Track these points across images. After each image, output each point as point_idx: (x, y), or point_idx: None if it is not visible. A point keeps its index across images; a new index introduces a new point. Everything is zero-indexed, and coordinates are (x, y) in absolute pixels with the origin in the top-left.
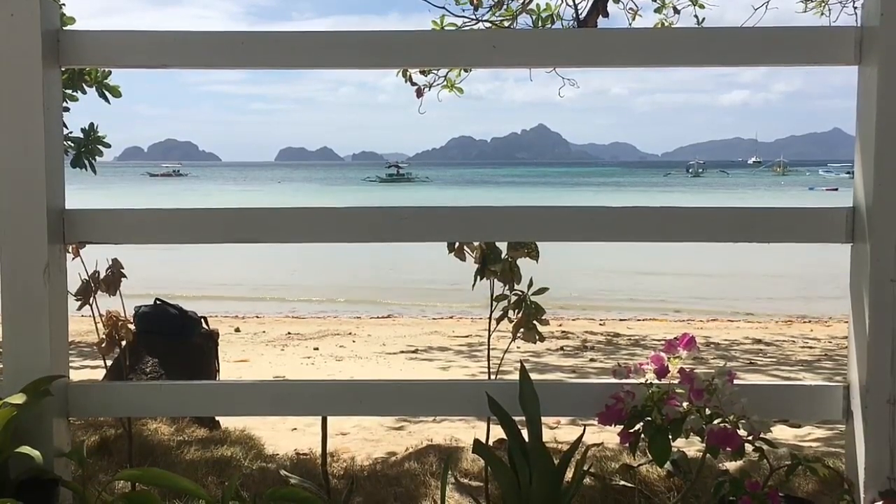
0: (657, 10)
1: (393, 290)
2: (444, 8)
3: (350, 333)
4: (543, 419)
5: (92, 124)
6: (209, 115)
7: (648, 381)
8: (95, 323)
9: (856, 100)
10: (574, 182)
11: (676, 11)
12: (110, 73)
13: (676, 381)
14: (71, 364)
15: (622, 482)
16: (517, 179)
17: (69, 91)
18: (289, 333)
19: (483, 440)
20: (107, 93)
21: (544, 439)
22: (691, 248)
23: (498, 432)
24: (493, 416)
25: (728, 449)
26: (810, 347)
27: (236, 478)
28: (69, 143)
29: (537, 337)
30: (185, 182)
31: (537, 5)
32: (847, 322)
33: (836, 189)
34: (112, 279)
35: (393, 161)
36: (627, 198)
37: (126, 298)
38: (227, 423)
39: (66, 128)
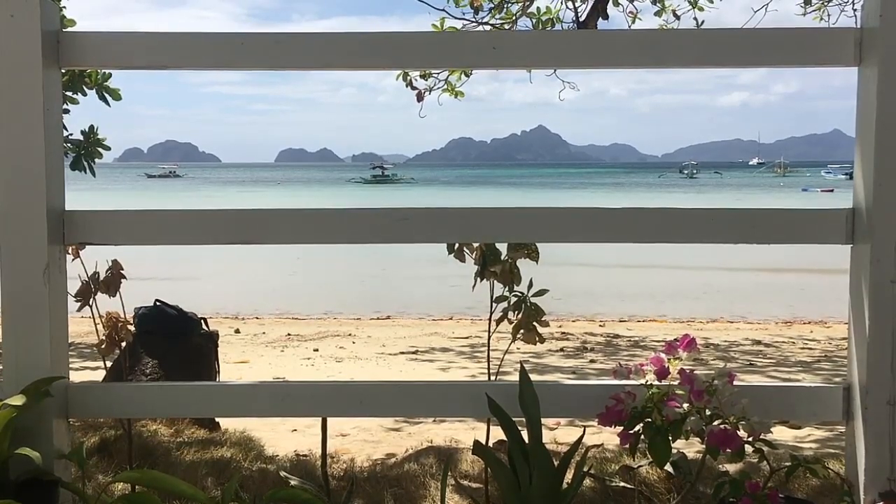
0: (657, 14)
1: (393, 291)
2: (444, 10)
3: (350, 334)
4: (543, 420)
5: (92, 126)
6: (209, 116)
7: (649, 382)
8: (95, 324)
9: (856, 101)
10: (573, 183)
11: (676, 17)
12: (110, 75)
13: (676, 383)
14: (71, 365)
15: (622, 483)
16: (517, 180)
17: (69, 93)
18: (288, 334)
19: (483, 441)
20: (107, 95)
21: (544, 440)
22: (691, 249)
23: (498, 433)
24: (492, 418)
25: (728, 450)
26: (810, 349)
27: (236, 479)
28: (68, 145)
29: (537, 338)
30: (181, 183)
31: (537, 8)
32: (847, 323)
33: (832, 190)
34: (112, 280)
35: (378, 163)
36: (628, 198)
37: (125, 298)
38: (227, 424)
39: (66, 130)
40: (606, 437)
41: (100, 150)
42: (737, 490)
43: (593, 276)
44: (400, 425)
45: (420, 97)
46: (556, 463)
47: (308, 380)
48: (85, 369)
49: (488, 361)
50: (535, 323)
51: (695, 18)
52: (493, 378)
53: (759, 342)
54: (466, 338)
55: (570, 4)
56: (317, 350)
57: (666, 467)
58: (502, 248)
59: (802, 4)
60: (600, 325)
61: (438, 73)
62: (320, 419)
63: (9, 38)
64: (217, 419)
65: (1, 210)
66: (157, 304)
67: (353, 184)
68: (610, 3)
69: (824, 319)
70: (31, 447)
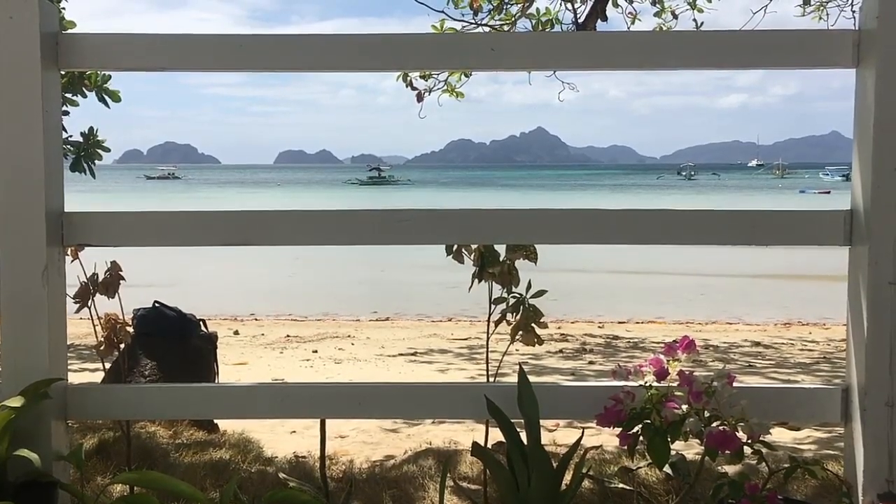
0: (656, 15)
1: (392, 293)
2: (443, 12)
3: (349, 336)
4: (542, 421)
5: (91, 128)
6: (209, 118)
7: (648, 384)
8: (94, 325)
9: (854, 102)
10: (572, 185)
11: (675, 16)
12: (110, 77)
13: (675, 384)
14: (70, 366)
15: (621, 485)
16: (516, 182)
17: (69, 95)
18: (287, 336)
19: (481, 443)
20: (106, 97)
21: (543, 442)
22: (690, 251)
23: (496, 435)
24: (491, 419)
25: (727, 451)
26: (809, 350)
27: (234, 480)
28: (68, 147)
29: (536, 340)
30: (180, 185)
31: (536, 9)
32: (845, 325)
33: (829, 192)
34: (110, 281)
35: (376, 164)
36: (627, 200)
37: (124, 299)
38: (226, 425)
39: (66, 131)
40: (605, 438)
41: (99, 151)
42: (736, 492)
43: (592, 279)
44: (399, 427)
45: (420, 98)
46: (554, 464)
47: (307, 381)
48: (84, 371)
49: (487, 363)
50: (533, 324)
51: (694, 20)
52: (491, 379)
53: (758, 344)
54: (465, 339)
55: (569, 6)
56: (316, 351)
57: (665, 469)
58: (500, 249)
59: (801, 6)
60: (599, 327)
61: (438, 74)
62: (319, 421)
63: (7, 40)
64: (216, 421)
65: (0, 211)
66: (156, 305)
67: (348, 185)
68: (609, 5)
69: (823, 321)
70: (29, 449)
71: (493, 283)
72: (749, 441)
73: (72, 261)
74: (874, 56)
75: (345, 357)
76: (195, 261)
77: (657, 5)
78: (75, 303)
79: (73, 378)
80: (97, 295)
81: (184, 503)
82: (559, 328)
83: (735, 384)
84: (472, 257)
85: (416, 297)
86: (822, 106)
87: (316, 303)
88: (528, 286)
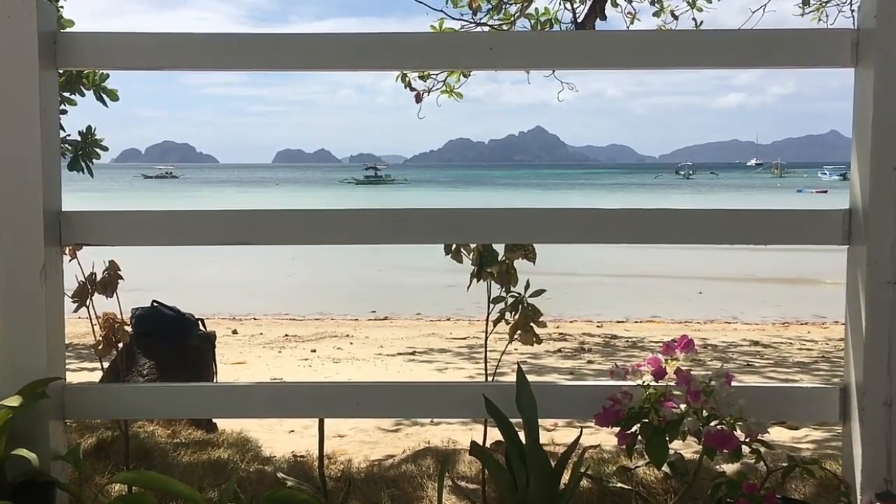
0: (655, 15)
1: (390, 292)
2: (441, 11)
3: (347, 335)
4: (541, 421)
5: (89, 127)
6: (208, 117)
7: (646, 383)
8: (92, 325)
9: (852, 102)
10: (571, 184)
11: (675, 17)
12: (108, 76)
13: (674, 383)
14: (68, 366)
15: (619, 484)
16: (515, 181)
17: (67, 94)
18: (286, 335)
19: (480, 442)
20: (104, 96)
21: (542, 441)
22: (688, 250)
23: (495, 434)
24: (490, 419)
25: (725, 451)
26: (807, 349)
27: (234, 480)
28: (66, 146)
29: (534, 339)
30: (179, 184)
31: (535, 9)
32: (844, 324)
33: (826, 191)
34: (109, 281)
35: (373, 163)
36: (625, 199)
37: (122, 299)
38: (224, 424)
39: (64, 130)
40: (604, 437)
41: (97, 150)
42: (734, 491)
43: (590, 279)
44: (397, 426)
45: (419, 98)
46: (553, 464)
47: (305, 381)
48: (82, 370)
49: (485, 362)
50: (532, 324)
51: (693, 19)
52: (490, 379)
53: (756, 343)
54: (464, 338)
55: (568, 5)
56: (314, 351)
57: (663, 468)
58: (499, 248)
59: (800, 5)
60: (598, 326)
61: (437, 75)
62: (318, 420)
63: (5, 39)
64: (214, 420)
65: None
66: (155, 304)
67: (345, 184)
68: (608, 4)
69: (822, 320)
70: (27, 448)
71: (492, 282)
72: (747, 440)
73: (70, 260)
74: (873, 55)
75: (343, 356)
76: (193, 260)
77: (656, 5)
78: (73, 302)
79: (72, 377)
80: (95, 294)
81: (182, 503)
82: (558, 327)
83: (733, 383)
84: (470, 257)
85: (415, 296)
86: (820, 105)
87: (314, 302)
88: (527, 285)
